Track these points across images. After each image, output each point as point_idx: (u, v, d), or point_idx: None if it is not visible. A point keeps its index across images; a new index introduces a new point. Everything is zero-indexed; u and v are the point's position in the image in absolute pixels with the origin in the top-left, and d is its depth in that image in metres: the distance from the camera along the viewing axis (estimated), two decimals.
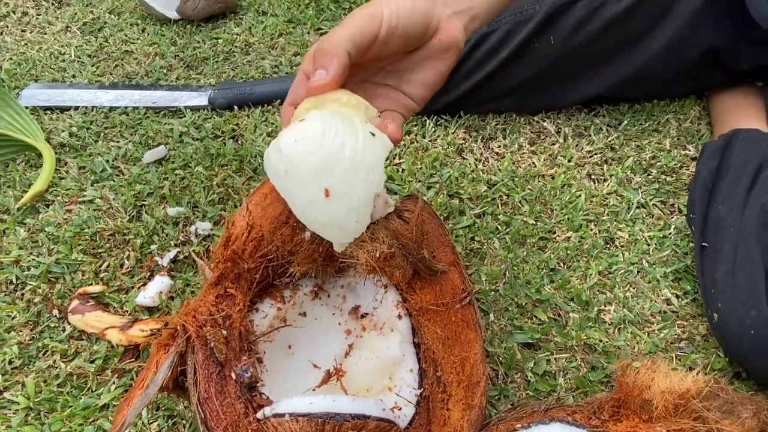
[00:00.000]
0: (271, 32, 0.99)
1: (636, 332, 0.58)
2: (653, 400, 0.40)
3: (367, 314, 0.54)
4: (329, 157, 0.38)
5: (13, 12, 1.08)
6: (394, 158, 0.77)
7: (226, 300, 0.44)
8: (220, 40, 0.98)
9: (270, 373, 0.47)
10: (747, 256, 0.53)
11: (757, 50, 0.71)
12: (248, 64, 0.93)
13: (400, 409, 0.46)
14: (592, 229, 0.68)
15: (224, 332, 0.42)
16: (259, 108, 0.85)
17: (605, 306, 0.60)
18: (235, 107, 0.84)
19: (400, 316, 0.51)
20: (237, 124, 0.83)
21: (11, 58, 0.97)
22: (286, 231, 0.48)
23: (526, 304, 0.60)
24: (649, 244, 0.66)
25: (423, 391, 0.48)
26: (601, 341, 0.57)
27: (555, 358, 0.56)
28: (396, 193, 0.73)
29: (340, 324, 0.54)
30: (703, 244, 0.58)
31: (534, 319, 0.60)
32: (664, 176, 0.73)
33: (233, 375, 0.41)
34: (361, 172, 0.38)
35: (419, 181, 0.74)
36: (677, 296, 0.61)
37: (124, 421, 0.41)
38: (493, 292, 0.62)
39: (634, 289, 0.62)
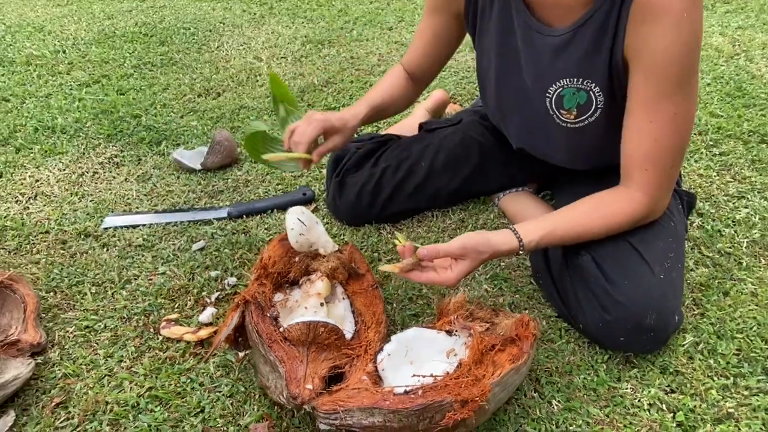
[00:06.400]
0: (261, 173, 1.59)
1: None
2: (450, 309, 0.94)
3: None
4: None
5: (86, 173, 1.65)
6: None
7: (262, 287, 0.96)
8: (229, 179, 1.57)
9: (285, 322, 0.97)
10: None
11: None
12: (249, 192, 1.51)
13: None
14: None
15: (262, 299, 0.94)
16: (259, 216, 1.41)
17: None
18: (244, 216, 1.40)
19: (344, 298, 1.03)
20: (246, 226, 1.38)
21: (92, 201, 1.52)
22: (286, 258, 1.02)
23: (412, 296, 1.14)
24: None
25: (356, 328, 0.99)
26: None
27: (426, 312, 1.08)
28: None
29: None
30: None
31: (417, 303, 1.13)
32: None
33: (268, 315, 0.92)
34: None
35: None
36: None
37: (218, 341, 0.90)
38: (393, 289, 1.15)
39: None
